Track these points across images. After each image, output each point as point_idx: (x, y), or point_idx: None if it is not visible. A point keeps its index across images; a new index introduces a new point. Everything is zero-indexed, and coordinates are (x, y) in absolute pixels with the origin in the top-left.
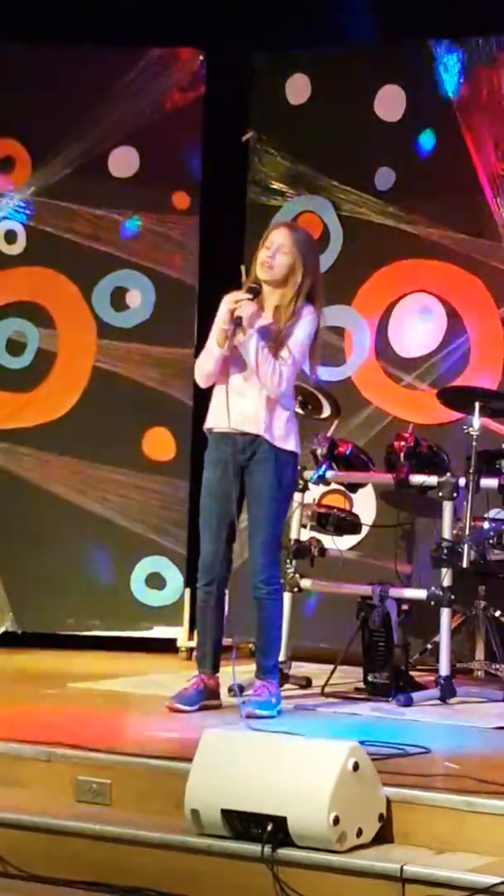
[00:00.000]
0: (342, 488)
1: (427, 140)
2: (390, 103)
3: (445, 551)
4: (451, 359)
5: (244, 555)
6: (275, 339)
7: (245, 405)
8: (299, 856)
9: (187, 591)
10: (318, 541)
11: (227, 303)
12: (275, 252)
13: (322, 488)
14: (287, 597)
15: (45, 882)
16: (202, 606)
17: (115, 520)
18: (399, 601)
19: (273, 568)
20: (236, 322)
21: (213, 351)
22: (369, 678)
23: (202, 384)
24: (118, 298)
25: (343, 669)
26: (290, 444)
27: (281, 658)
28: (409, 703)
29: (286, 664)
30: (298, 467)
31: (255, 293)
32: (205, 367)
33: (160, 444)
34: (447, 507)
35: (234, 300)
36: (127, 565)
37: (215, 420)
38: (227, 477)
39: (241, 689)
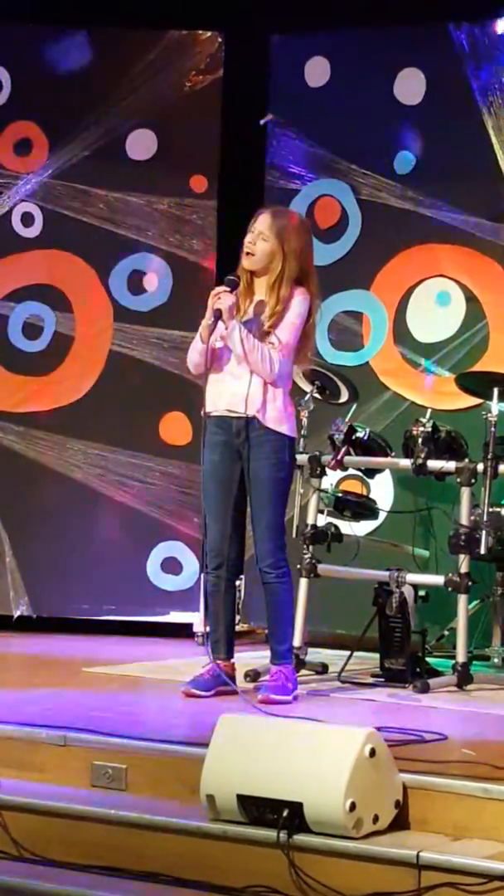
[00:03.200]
0: (359, 474)
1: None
2: (410, 86)
3: (463, 537)
4: (470, 344)
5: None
6: (260, 328)
7: (239, 387)
8: (315, 842)
9: (203, 576)
10: (335, 526)
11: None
12: (255, 239)
13: (339, 473)
14: (303, 582)
15: (60, 867)
16: (212, 591)
17: (132, 504)
18: (416, 587)
19: (279, 552)
20: (216, 315)
21: (197, 344)
22: (386, 664)
23: (193, 372)
24: (135, 282)
25: (359, 655)
26: (284, 428)
27: (297, 644)
28: (425, 689)
29: (302, 650)
30: (295, 451)
31: (234, 285)
32: (192, 358)
33: (177, 428)
34: (465, 492)
35: (213, 294)
36: (143, 550)
37: (211, 404)
38: (226, 459)
39: (258, 674)
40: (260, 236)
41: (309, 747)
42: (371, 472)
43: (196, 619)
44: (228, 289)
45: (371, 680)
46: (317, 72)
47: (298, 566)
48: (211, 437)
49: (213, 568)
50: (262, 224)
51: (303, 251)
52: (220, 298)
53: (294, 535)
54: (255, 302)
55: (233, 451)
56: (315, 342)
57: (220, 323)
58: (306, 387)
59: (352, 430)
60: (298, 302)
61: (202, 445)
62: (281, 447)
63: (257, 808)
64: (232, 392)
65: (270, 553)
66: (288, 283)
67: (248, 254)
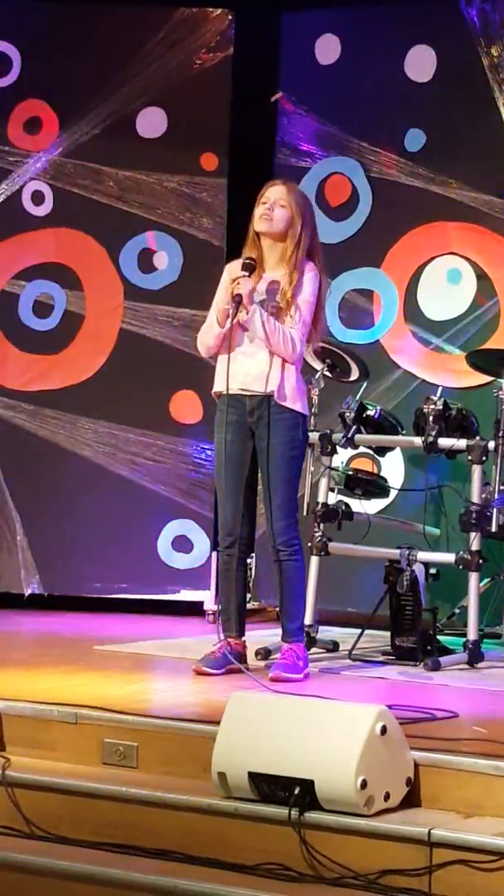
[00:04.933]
0: (370, 452)
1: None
2: (421, 63)
3: (474, 515)
4: (481, 322)
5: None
6: (276, 306)
7: (253, 366)
8: (326, 819)
9: (214, 554)
10: (346, 504)
11: (225, 284)
12: (272, 205)
13: (350, 452)
14: (314, 560)
15: (71, 844)
16: (224, 570)
17: (143, 482)
18: (427, 565)
19: (291, 530)
20: (237, 301)
21: (213, 328)
22: (397, 642)
23: (203, 354)
24: (145, 260)
25: (370, 633)
26: (298, 405)
27: (308, 622)
28: (436, 667)
29: (313, 628)
30: (308, 429)
31: (251, 269)
32: (206, 340)
33: (187, 406)
34: (476, 470)
35: (232, 279)
36: (154, 528)
37: (223, 383)
38: (238, 438)
39: (269, 652)
40: (278, 202)
41: (320, 725)
42: (382, 451)
43: (207, 598)
44: (247, 273)
45: (382, 658)
46: (327, 49)
47: (309, 544)
48: (223, 416)
49: (226, 546)
50: (277, 193)
51: (314, 226)
52: (241, 284)
53: (305, 513)
54: (266, 280)
55: (245, 430)
56: (325, 320)
57: (238, 308)
58: (317, 365)
59: (362, 408)
60: (310, 279)
61: (215, 424)
62: (294, 425)
63: (268, 786)
64: (245, 371)
65: (283, 531)
66: (304, 251)
67: (266, 219)
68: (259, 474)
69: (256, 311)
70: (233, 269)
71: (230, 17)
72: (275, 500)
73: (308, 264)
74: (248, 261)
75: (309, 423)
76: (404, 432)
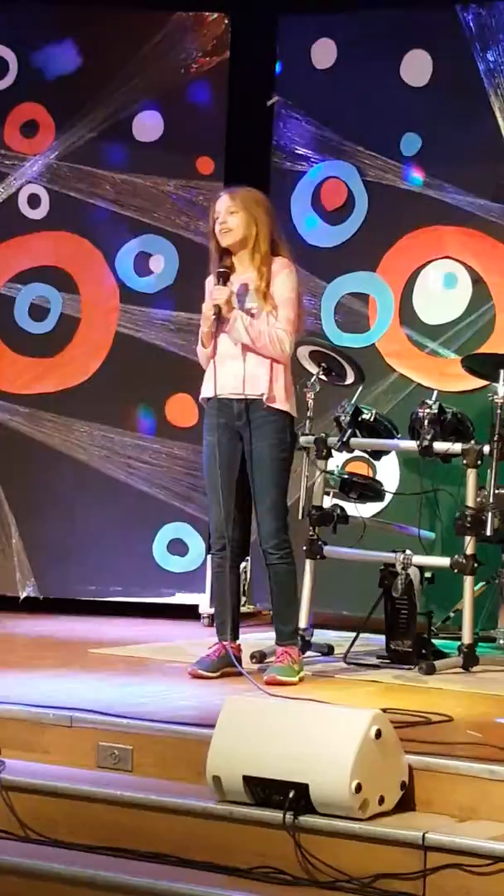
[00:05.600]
0: (365, 455)
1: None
2: (417, 68)
3: (469, 519)
4: (476, 326)
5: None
6: (257, 294)
7: (240, 369)
8: (321, 823)
9: (209, 558)
10: (341, 508)
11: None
12: (225, 217)
13: (345, 455)
14: (309, 564)
15: (66, 847)
16: (217, 573)
17: (138, 486)
18: (422, 569)
19: (283, 532)
20: (216, 313)
21: (201, 353)
22: (392, 646)
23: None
24: (141, 263)
25: (365, 637)
26: (286, 407)
27: (303, 625)
28: (431, 670)
29: (308, 631)
30: (296, 430)
31: (226, 277)
32: (201, 360)
33: (183, 409)
34: (471, 474)
35: (210, 297)
36: (149, 531)
37: (210, 388)
38: (227, 441)
39: (264, 656)
40: (228, 211)
41: (315, 728)
42: (377, 454)
43: (202, 601)
44: (222, 283)
45: (377, 661)
46: (323, 53)
47: (305, 548)
48: (211, 419)
49: (217, 550)
50: (224, 203)
51: (268, 218)
52: (215, 295)
53: (300, 516)
54: (238, 284)
55: (234, 433)
56: (305, 320)
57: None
58: (312, 368)
59: (358, 411)
60: (287, 275)
61: (204, 428)
62: (282, 427)
63: (263, 790)
64: (234, 374)
65: (274, 533)
66: (265, 243)
67: (224, 232)
68: (249, 477)
69: (237, 318)
70: (210, 283)
71: (227, 22)
72: (265, 503)
73: (280, 260)
74: (221, 269)
75: (305, 426)
76: (399, 436)
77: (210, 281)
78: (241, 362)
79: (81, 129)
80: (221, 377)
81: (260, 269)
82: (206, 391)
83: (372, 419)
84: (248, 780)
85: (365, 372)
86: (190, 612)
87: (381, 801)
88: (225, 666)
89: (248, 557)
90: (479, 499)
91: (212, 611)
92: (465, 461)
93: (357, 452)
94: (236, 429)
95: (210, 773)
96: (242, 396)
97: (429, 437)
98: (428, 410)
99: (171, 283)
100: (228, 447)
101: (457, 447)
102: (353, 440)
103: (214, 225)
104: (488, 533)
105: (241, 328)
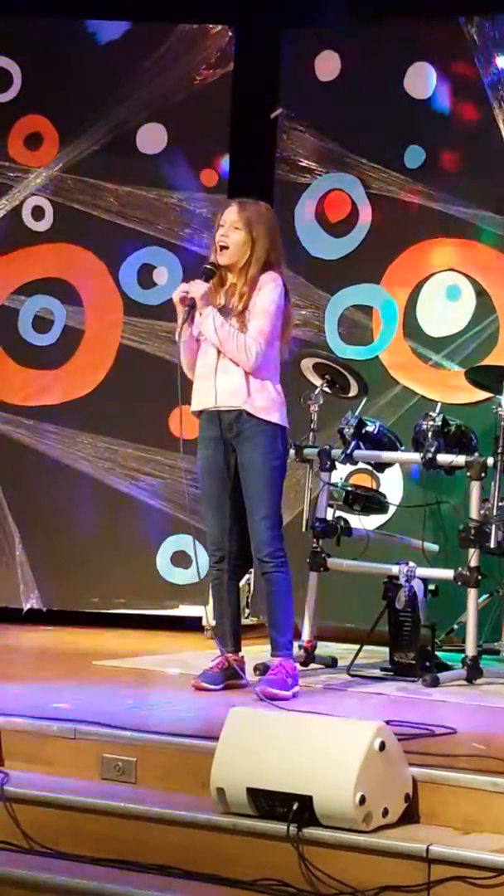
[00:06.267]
0: (369, 468)
1: None
2: (420, 80)
3: (473, 531)
4: (480, 338)
5: None
6: (236, 313)
7: (228, 381)
8: (325, 835)
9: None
10: (345, 520)
11: (177, 290)
12: (227, 231)
13: (349, 468)
14: (313, 576)
15: (69, 859)
16: (216, 585)
17: (141, 498)
18: (426, 581)
19: (277, 542)
20: (190, 305)
21: (180, 347)
22: (395, 658)
23: (187, 374)
24: (145, 275)
25: (369, 649)
26: (275, 417)
27: (307, 637)
28: (435, 683)
29: (312, 644)
30: (288, 440)
31: (210, 274)
32: (183, 362)
33: (186, 421)
34: (475, 486)
35: (179, 289)
36: (153, 543)
37: (200, 401)
38: (219, 454)
39: (267, 668)
40: (231, 226)
41: (319, 741)
42: (381, 467)
43: (205, 613)
44: (203, 277)
45: (380, 674)
46: (327, 66)
47: (308, 560)
48: (204, 433)
49: (216, 562)
50: (230, 215)
51: (269, 235)
52: (192, 287)
53: (304, 528)
54: (226, 292)
55: (226, 446)
56: (290, 333)
57: (192, 313)
58: (316, 381)
59: (361, 423)
60: (270, 289)
61: (198, 442)
62: (273, 436)
63: (267, 802)
64: (223, 388)
65: (268, 543)
66: (256, 266)
67: (222, 248)
68: (242, 489)
69: (209, 315)
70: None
71: (230, 34)
72: (258, 513)
73: (269, 273)
74: (207, 266)
75: (309, 438)
76: (403, 448)
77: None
78: (229, 375)
79: (85, 142)
80: (210, 389)
81: (241, 291)
82: (195, 405)
83: (376, 431)
84: (252, 792)
85: (368, 384)
86: (193, 624)
87: (385, 813)
88: (228, 678)
89: (252, 570)
90: (482, 511)
91: (214, 623)
92: (468, 473)
93: (361, 465)
94: (228, 441)
95: (214, 784)
96: (230, 408)
97: (432, 449)
98: (431, 423)
99: None
100: (221, 460)
101: (461, 459)
102: (356, 452)
103: (217, 229)
104: (492, 545)
105: (212, 326)
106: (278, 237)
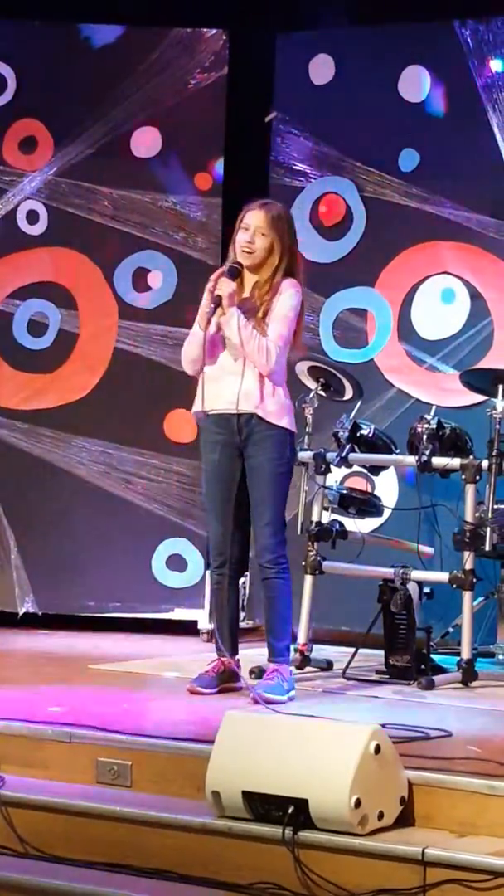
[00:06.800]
0: (364, 471)
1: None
2: (414, 84)
3: (468, 534)
4: (474, 341)
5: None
6: (256, 316)
7: (240, 384)
8: (320, 838)
9: (208, 573)
10: (340, 523)
11: (209, 287)
12: (253, 236)
13: (344, 471)
14: (308, 579)
15: (65, 863)
16: (216, 589)
17: (137, 501)
18: (421, 584)
19: (280, 547)
20: (216, 302)
21: (196, 335)
22: (391, 661)
23: (189, 371)
24: (140, 279)
25: (364, 653)
26: (285, 422)
27: (302, 641)
28: (430, 686)
29: (307, 647)
30: (296, 445)
31: (236, 273)
32: (190, 353)
33: (182, 425)
34: (469, 489)
35: (212, 278)
36: (148, 547)
37: (208, 402)
38: (226, 458)
39: (262, 672)
40: (258, 231)
41: (314, 744)
42: (376, 469)
43: (201, 617)
44: (230, 276)
45: (376, 677)
46: (321, 69)
47: (304, 563)
48: (210, 436)
49: (217, 566)
50: (257, 219)
51: (293, 243)
52: (221, 285)
53: (299, 532)
54: (244, 296)
55: (233, 450)
56: (302, 336)
57: (217, 310)
58: (311, 384)
59: (356, 426)
60: (291, 295)
61: (202, 445)
62: (282, 442)
63: (262, 805)
64: (232, 390)
65: (272, 549)
66: (281, 273)
67: (247, 252)
68: (249, 493)
69: (234, 315)
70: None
71: (225, 38)
72: (263, 518)
73: (288, 280)
74: (234, 265)
75: (304, 442)
76: (398, 451)
77: (217, 273)
78: (240, 378)
79: (80, 145)
80: (220, 392)
81: (263, 297)
82: (198, 405)
83: (370, 434)
84: (248, 796)
85: (363, 387)
86: (189, 628)
87: (381, 816)
88: (224, 682)
89: (248, 573)
90: (477, 514)
91: (211, 626)
92: (463, 476)
93: (356, 468)
94: (236, 445)
95: (209, 788)
96: (241, 412)
97: (427, 452)
98: (426, 426)
99: (170, 298)
100: (227, 465)
101: (455, 462)
102: (351, 455)
103: (239, 232)
104: (487, 548)
105: (236, 326)
106: (296, 241)
